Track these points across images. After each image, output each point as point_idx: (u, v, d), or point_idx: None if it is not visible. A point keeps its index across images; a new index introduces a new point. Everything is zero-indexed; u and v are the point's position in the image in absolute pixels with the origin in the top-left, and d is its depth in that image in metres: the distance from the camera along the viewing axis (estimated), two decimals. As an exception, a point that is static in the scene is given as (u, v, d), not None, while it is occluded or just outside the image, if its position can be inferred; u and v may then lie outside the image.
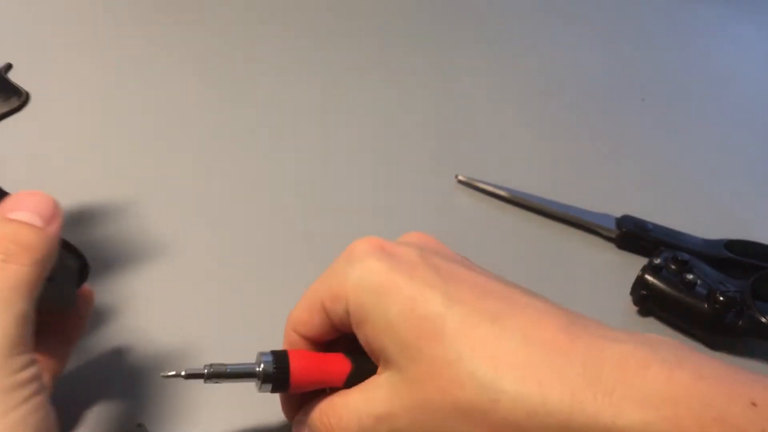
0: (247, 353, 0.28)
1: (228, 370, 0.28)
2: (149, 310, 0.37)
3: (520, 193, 0.50)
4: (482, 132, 0.58)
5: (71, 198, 0.43)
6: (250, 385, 0.28)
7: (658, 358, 0.22)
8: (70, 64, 0.56)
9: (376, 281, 0.26)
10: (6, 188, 0.32)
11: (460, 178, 0.51)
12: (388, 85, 0.61)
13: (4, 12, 0.61)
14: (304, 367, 0.28)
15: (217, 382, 0.27)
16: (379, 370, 0.27)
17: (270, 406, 0.33)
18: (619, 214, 0.49)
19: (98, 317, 0.36)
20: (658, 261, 0.42)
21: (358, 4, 0.72)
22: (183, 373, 0.27)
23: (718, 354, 0.42)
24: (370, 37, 0.68)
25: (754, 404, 0.21)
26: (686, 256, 0.42)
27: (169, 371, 0.27)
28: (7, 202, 0.25)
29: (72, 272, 0.29)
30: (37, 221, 0.24)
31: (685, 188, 0.55)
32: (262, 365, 0.28)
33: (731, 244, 0.46)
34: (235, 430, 0.32)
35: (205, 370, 0.27)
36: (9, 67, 0.53)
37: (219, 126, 0.52)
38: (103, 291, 0.37)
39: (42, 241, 0.24)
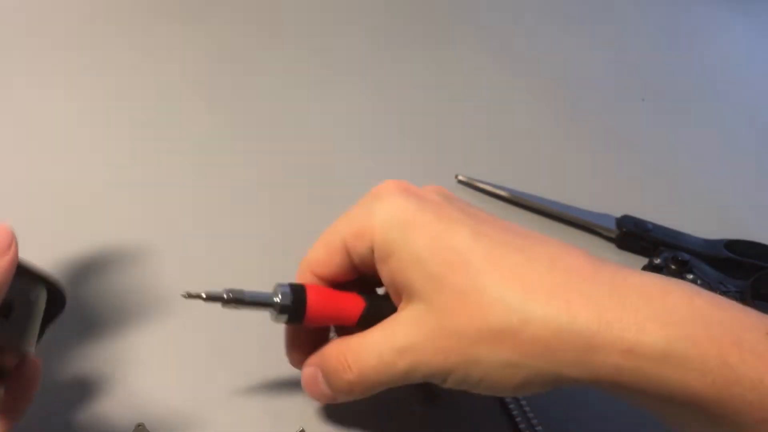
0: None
1: (246, 297, 0.28)
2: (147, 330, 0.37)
3: (520, 193, 0.50)
4: (482, 132, 0.58)
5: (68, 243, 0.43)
6: (251, 386, 0.28)
7: (678, 287, 0.23)
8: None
9: (403, 217, 0.26)
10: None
11: (460, 178, 0.51)
12: (388, 85, 0.61)
13: None
14: (320, 300, 0.29)
15: (235, 308, 0.28)
16: (401, 306, 0.27)
17: (271, 408, 0.33)
18: (619, 214, 0.49)
19: (96, 319, 0.36)
20: (658, 261, 0.42)
21: (357, 3, 0.72)
22: (203, 295, 0.27)
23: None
24: (370, 37, 0.68)
25: (738, 347, 0.22)
26: (686, 256, 0.43)
27: (191, 291, 0.27)
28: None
29: (36, 306, 0.25)
30: None
31: (685, 188, 0.55)
32: (280, 295, 0.28)
33: (731, 244, 0.46)
34: (235, 430, 0.32)
35: (225, 295, 0.27)
36: None
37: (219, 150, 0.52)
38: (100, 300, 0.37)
39: None
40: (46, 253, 0.39)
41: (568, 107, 0.63)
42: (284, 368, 0.34)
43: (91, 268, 0.38)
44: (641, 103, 0.65)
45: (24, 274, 0.25)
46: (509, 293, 0.23)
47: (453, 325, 0.24)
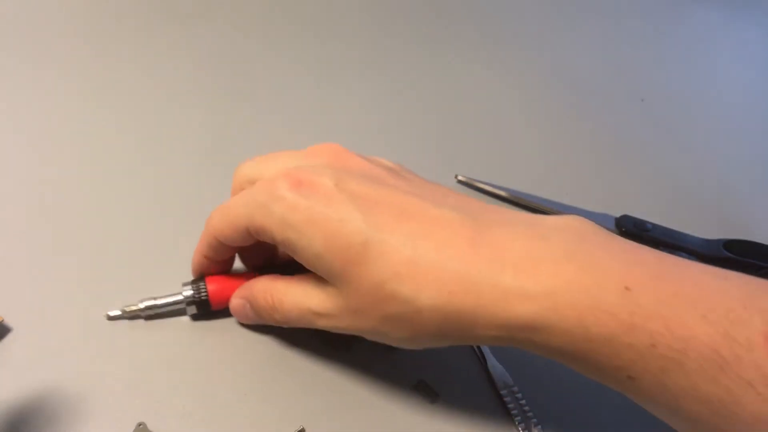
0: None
1: (159, 303, 0.34)
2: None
3: (520, 193, 0.50)
4: (482, 132, 0.58)
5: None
6: (251, 386, 0.28)
7: (550, 254, 0.26)
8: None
9: (299, 218, 0.28)
10: None
11: (460, 178, 0.51)
12: (388, 84, 0.61)
13: None
14: (220, 288, 0.34)
15: (155, 314, 0.34)
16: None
17: (271, 407, 0.33)
18: (618, 214, 0.49)
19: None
20: (657, 261, 0.42)
21: (357, 3, 0.72)
22: (122, 312, 0.34)
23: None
24: (369, 36, 0.68)
25: (627, 288, 0.24)
26: (686, 256, 0.43)
27: (111, 313, 0.34)
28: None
29: None
30: None
31: (685, 188, 0.55)
32: (183, 292, 0.34)
33: (730, 244, 0.47)
34: (235, 430, 0.32)
35: (141, 305, 0.34)
36: None
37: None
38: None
39: None
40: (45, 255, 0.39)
41: (568, 107, 0.63)
42: (284, 368, 0.34)
43: (93, 267, 0.38)
44: (641, 103, 0.66)
45: None
46: (402, 289, 0.26)
47: (360, 309, 0.28)
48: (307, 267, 0.29)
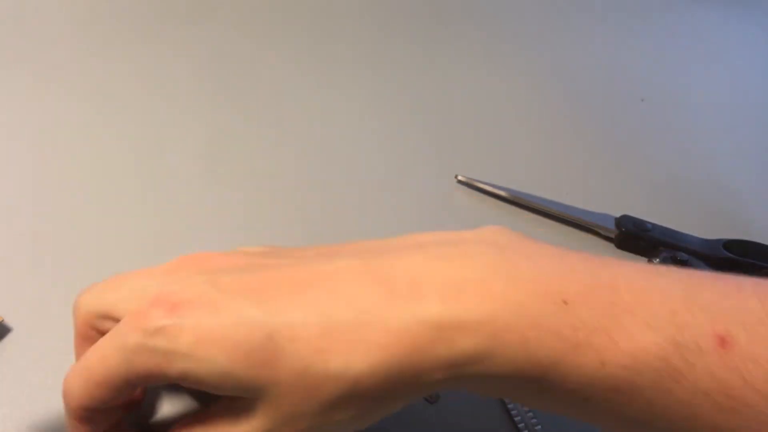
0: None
1: None
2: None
3: (520, 193, 0.50)
4: (482, 132, 0.58)
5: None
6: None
7: (472, 272, 0.23)
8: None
9: (188, 342, 0.23)
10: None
11: (460, 178, 0.51)
12: (387, 84, 0.61)
13: None
14: None
15: None
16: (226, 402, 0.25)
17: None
18: (618, 214, 0.49)
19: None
20: (657, 261, 0.43)
21: (356, 3, 0.72)
22: None
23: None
24: (369, 36, 0.68)
25: (565, 302, 0.22)
26: (685, 257, 0.43)
27: None
28: None
29: None
30: None
31: (685, 188, 0.55)
32: None
33: (730, 244, 0.47)
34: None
35: None
36: None
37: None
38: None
39: None
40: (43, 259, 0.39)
41: (568, 107, 0.63)
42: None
43: (87, 269, 0.38)
44: (641, 103, 0.66)
45: None
46: (330, 365, 0.23)
47: (295, 412, 0.23)
48: (216, 392, 0.24)
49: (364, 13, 0.71)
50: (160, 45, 0.60)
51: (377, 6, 0.73)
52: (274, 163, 0.50)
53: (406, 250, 0.25)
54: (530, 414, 0.35)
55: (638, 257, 0.47)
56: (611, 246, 0.48)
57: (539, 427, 0.34)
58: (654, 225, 0.48)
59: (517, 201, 0.50)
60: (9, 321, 0.34)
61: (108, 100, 0.53)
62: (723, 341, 0.21)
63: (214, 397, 0.25)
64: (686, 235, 0.48)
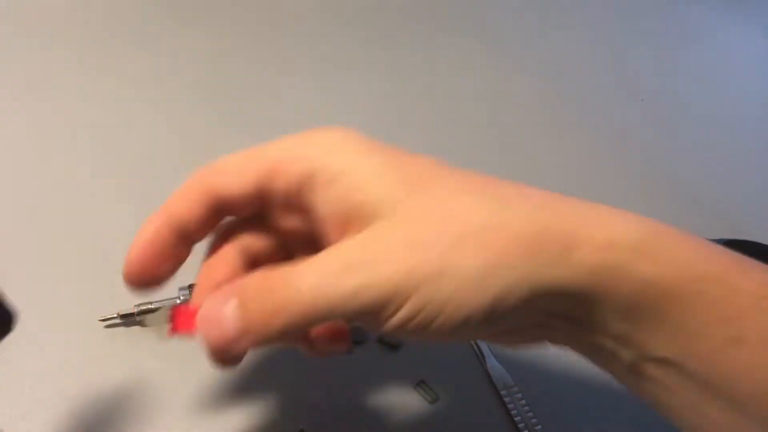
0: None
1: (154, 306, 0.33)
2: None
3: (520, 193, 0.50)
4: (482, 132, 0.58)
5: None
6: (251, 386, 0.28)
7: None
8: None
9: (355, 139, 0.24)
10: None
11: (460, 178, 0.51)
12: (387, 84, 0.61)
13: None
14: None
15: (151, 320, 0.34)
16: (339, 239, 0.23)
17: (271, 408, 0.33)
18: (618, 214, 0.49)
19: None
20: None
21: (356, 2, 0.72)
22: (118, 315, 0.32)
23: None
24: (369, 36, 0.68)
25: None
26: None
27: (107, 314, 0.33)
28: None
29: None
30: None
31: (685, 188, 0.55)
32: (181, 296, 0.33)
33: (731, 244, 0.46)
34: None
35: (136, 309, 0.32)
36: None
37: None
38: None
39: None
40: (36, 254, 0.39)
41: (568, 107, 0.63)
42: (284, 368, 0.34)
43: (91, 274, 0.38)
44: (641, 103, 0.65)
45: None
46: (485, 199, 0.22)
47: (421, 235, 0.21)
48: (348, 202, 0.22)
49: (364, 14, 0.71)
50: (160, 44, 0.60)
51: (377, 7, 0.73)
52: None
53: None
54: (530, 414, 0.35)
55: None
56: (611, 246, 0.48)
57: (539, 426, 0.34)
58: (654, 225, 0.48)
59: (517, 201, 0.50)
60: (9, 321, 0.34)
61: (107, 100, 0.53)
62: None
63: None
64: (686, 235, 0.48)
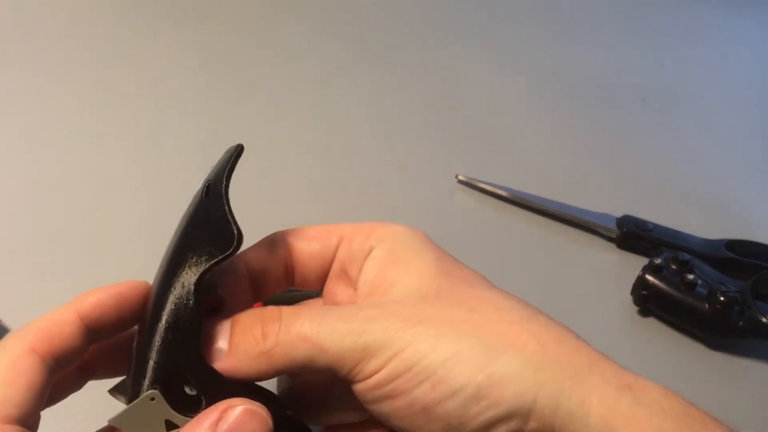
0: None
1: None
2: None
3: (520, 193, 0.50)
4: (482, 132, 0.58)
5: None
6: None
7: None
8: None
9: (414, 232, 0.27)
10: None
11: (460, 178, 0.51)
12: (388, 84, 0.61)
13: None
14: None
15: None
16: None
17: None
18: (619, 214, 0.49)
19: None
20: (658, 261, 0.42)
21: (357, 3, 0.72)
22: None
23: (718, 354, 0.42)
24: (370, 36, 0.68)
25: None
26: (687, 256, 0.42)
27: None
28: (228, 416, 0.22)
29: None
30: None
31: (686, 188, 0.55)
32: None
33: (732, 244, 0.46)
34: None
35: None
36: None
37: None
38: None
39: None
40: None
41: (568, 107, 0.63)
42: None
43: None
44: (641, 103, 0.65)
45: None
46: (481, 347, 0.23)
47: (429, 311, 0.24)
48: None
49: (366, 14, 0.71)
50: (160, 44, 0.60)
51: (379, 6, 0.73)
52: (274, 163, 0.50)
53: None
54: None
55: (639, 257, 0.47)
56: (612, 246, 0.48)
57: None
58: (655, 225, 0.48)
59: (517, 201, 0.50)
60: (9, 321, 0.34)
61: (107, 100, 0.53)
62: None
63: None
64: (688, 235, 0.48)
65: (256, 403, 0.23)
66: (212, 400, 0.23)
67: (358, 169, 0.51)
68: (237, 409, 0.22)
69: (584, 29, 0.77)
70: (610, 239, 0.49)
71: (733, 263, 0.45)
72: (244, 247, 0.26)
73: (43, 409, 0.23)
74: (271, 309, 0.24)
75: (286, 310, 0.24)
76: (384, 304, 0.24)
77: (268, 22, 0.66)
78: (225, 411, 0.22)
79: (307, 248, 0.28)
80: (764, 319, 0.39)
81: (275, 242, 0.28)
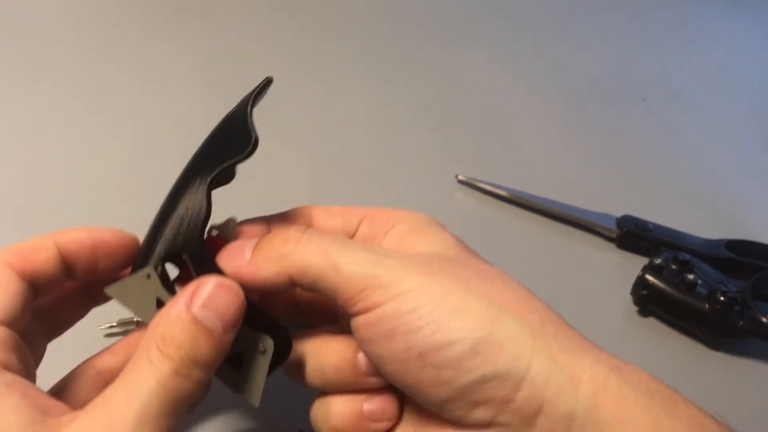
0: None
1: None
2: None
3: (520, 193, 0.50)
4: (483, 132, 0.58)
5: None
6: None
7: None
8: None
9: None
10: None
11: (460, 178, 0.51)
12: (388, 84, 0.61)
13: None
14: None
15: None
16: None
17: (271, 408, 0.33)
18: (619, 214, 0.49)
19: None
20: (658, 261, 0.42)
21: (358, 2, 0.72)
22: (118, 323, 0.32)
23: (718, 354, 0.42)
24: (370, 36, 0.68)
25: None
26: (687, 256, 0.42)
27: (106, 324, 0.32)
28: (201, 291, 0.23)
29: (264, 357, 0.25)
30: (218, 328, 0.23)
31: (686, 188, 0.55)
32: None
33: (732, 244, 0.46)
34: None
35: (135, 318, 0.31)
36: None
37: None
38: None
39: (215, 355, 0.23)
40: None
41: (568, 107, 0.63)
42: (284, 368, 0.34)
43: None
44: (641, 103, 0.65)
45: (256, 325, 0.24)
46: (490, 305, 0.24)
47: (436, 266, 0.24)
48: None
49: (366, 13, 0.71)
50: (159, 44, 0.60)
51: (379, 6, 0.73)
52: (274, 163, 0.50)
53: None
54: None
55: (639, 257, 0.47)
56: (612, 246, 0.48)
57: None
58: (655, 225, 0.48)
59: (517, 201, 0.50)
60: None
61: (106, 100, 0.53)
62: None
63: None
64: (688, 235, 0.48)
65: (228, 279, 0.24)
66: None
67: (358, 168, 0.51)
68: (209, 284, 0.23)
69: (584, 29, 0.77)
70: (610, 239, 0.49)
71: (733, 263, 0.45)
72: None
73: (26, 320, 0.25)
74: (299, 227, 0.26)
75: (312, 228, 0.26)
76: (405, 255, 0.25)
77: (267, 21, 0.66)
78: (198, 287, 0.23)
79: (330, 222, 0.29)
80: (764, 319, 0.39)
81: (300, 213, 0.29)
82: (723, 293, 0.40)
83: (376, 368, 0.25)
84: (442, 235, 0.28)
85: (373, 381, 0.25)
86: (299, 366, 0.26)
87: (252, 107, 0.28)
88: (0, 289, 0.24)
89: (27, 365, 0.24)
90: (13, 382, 0.22)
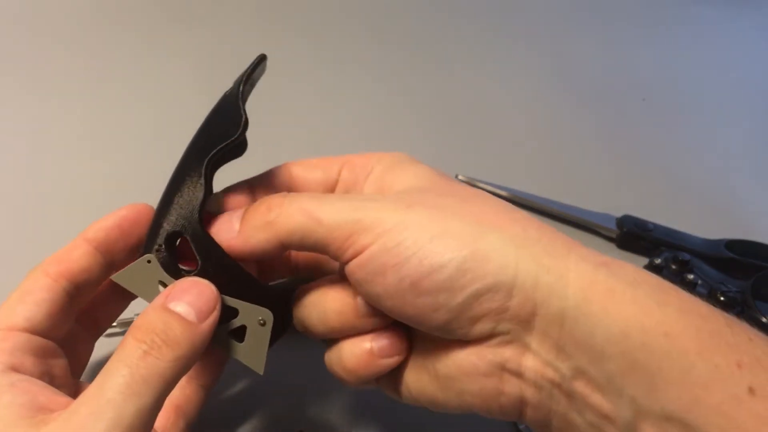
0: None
1: None
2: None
3: (520, 193, 0.50)
4: (483, 132, 0.58)
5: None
6: (251, 387, 0.28)
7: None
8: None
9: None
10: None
11: (460, 178, 0.51)
12: (388, 84, 0.61)
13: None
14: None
15: None
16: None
17: (271, 408, 0.33)
18: (620, 214, 0.49)
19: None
20: (658, 261, 0.42)
21: (359, 2, 0.72)
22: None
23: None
24: (369, 36, 0.68)
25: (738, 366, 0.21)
26: (687, 256, 0.43)
27: None
28: (173, 289, 0.25)
29: (262, 330, 0.26)
30: (192, 316, 0.24)
31: (686, 188, 0.55)
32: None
33: (732, 244, 0.46)
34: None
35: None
36: None
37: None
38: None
39: (189, 338, 0.24)
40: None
41: (568, 107, 0.63)
42: (284, 369, 0.34)
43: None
44: (641, 103, 0.65)
45: (254, 298, 0.26)
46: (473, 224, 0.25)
47: (411, 200, 0.25)
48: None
49: (366, 13, 0.71)
50: (159, 44, 0.60)
51: (379, 5, 0.73)
52: (274, 162, 0.50)
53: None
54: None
55: (639, 257, 0.47)
56: (612, 246, 0.48)
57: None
58: (655, 225, 0.48)
59: (517, 201, 0.50)
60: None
61: (106, 100, 0.53)
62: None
63: None
64: (688, 235, 0.48)
65: (201, 279, 0.25)
66: (209, 270, 0.26)
67: (358, 169, 0.51)
68: (184, 282, 0.25)
69: (584, 29, 0.77)
70: (610, 239, 0.49)
71: (733, 263, 0.45)
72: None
73: (65, 324, 0.26)
74: (279, 194, 0.27)
75: (291, 192, 0.27)
76: (382, 196, 0.27)
77: (266, 22, 0.66)
78: (174, 286, 0.25)
79: (311, 175, 0.30)
80: (764, 319, 0.39)
81: (279, 172, 0.30)
82: (723, 293, 0.40)
83: (377, 308, 0.25)
84: (419, 168, 0.29)
85: (375, 321, 0.26)
86: (305, 318, 0.27)
87: (244, 86, 0.28)
88: (26, 297, 0.25)
89: (48, 367, 0.25)
90: (15, 383, 0.23)
